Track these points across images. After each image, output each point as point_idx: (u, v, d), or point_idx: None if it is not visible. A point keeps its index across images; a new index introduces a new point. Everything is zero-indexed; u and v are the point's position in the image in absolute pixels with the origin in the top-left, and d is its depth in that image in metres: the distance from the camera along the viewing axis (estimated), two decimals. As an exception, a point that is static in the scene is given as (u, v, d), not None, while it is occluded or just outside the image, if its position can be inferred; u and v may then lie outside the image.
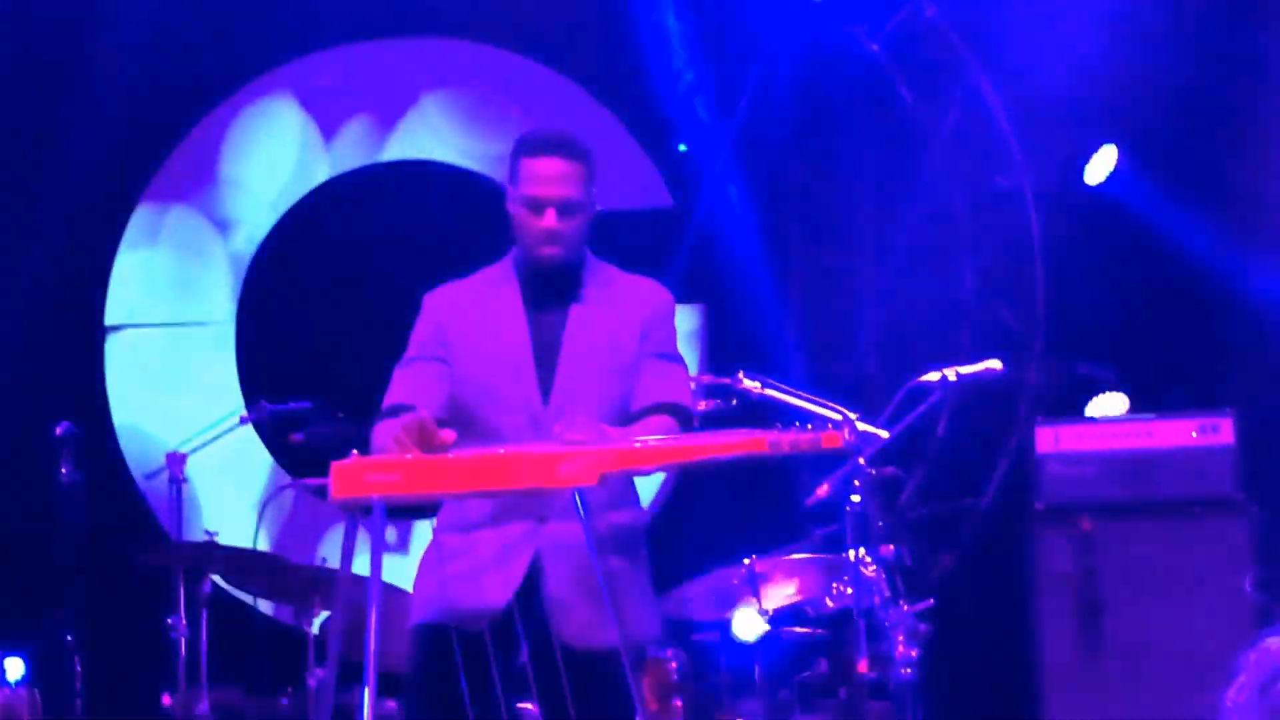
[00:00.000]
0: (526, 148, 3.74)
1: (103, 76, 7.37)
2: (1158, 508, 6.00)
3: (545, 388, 3.68)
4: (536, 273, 3.74)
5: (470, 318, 3.75)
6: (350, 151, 7.56)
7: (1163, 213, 6.66)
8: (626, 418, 3.66)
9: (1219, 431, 6.04)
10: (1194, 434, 6.04)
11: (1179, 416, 6.08)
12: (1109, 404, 6.43)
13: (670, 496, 6.88)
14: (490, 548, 3.62)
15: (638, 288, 3.81)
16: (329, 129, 7.57)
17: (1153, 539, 5.97)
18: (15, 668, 6.09)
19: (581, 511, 3.35)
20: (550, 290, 3.74)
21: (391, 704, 5.12)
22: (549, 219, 3.69)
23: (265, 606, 6.12)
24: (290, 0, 7.44)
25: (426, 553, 3.76)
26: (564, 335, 3.71)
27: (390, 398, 3.71)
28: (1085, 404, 6.47)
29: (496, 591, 3.60)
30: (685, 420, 3.68)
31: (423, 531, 3.74)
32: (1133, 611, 5.88)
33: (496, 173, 7.15)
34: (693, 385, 4.15)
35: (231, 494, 7.17)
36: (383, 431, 3.55)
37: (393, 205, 7.42)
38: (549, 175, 3.69)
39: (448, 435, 3.44)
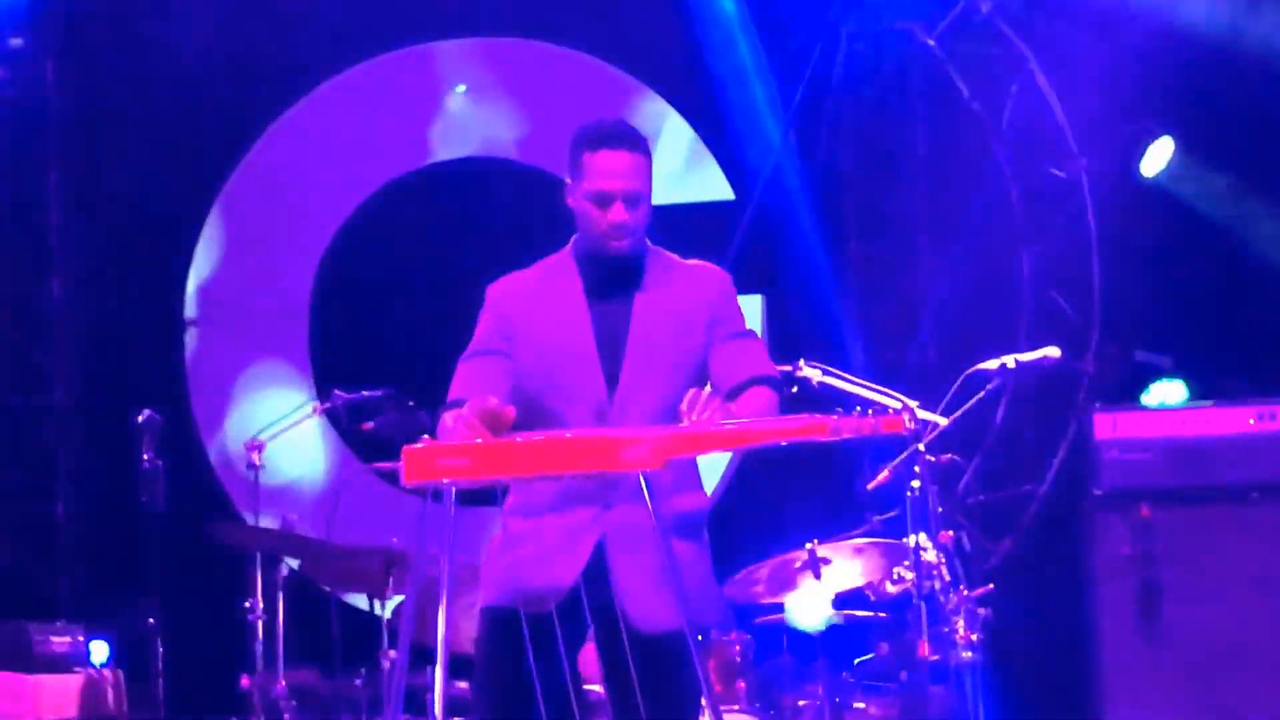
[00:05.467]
0: (588, 141, 3.70)
1: (181, 75, 7.51)
2: (1216, 494, 6.02)
3: (611, 378, 3.68)
4: (601, 264, 3.73)
5: (533, 309, 3.74)
6: (418, 147, 7.68)
7: (1219, 201, 6.67)
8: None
9: (1277, 419, 6.06)
10: (1251, 421, 6.07)
11: (1237, 404, 6.10)
12: (1167, 393, 6.47)
13: (732, 481, 6.96)
14: (556, 532, 3.65)
15: (697, 273, 3.79)
16: (399, 125, 7.69)
17: (1211, 525, 5.98)
18: (100, 650, 6.25)
19: (647, 495, 3.36)
20: (613, 280, 3.73)
21: (463, 685, 5.23)
22: (617, 212, 3.67)
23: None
24: (362, 1, 7.59)
25: (494, 537, 3.79)
26: (629, 325, 3.71)
27: (455, 391, 3.70)
28: (1143, 391, 6.51)
29: (563, 573, 3.62)
30: (778, 389, 3.69)
31: (487, 518, 3.83)
32: (1191, 597, 5.89)
33: (557, 167, 7.25)
34: None
35: (306, 480, 7.32)
36: (450, 420, 3.56)
37: (460, 198, 7.52)
38: (615, 169, 3.66)
39: (509, 413, 3.45)
